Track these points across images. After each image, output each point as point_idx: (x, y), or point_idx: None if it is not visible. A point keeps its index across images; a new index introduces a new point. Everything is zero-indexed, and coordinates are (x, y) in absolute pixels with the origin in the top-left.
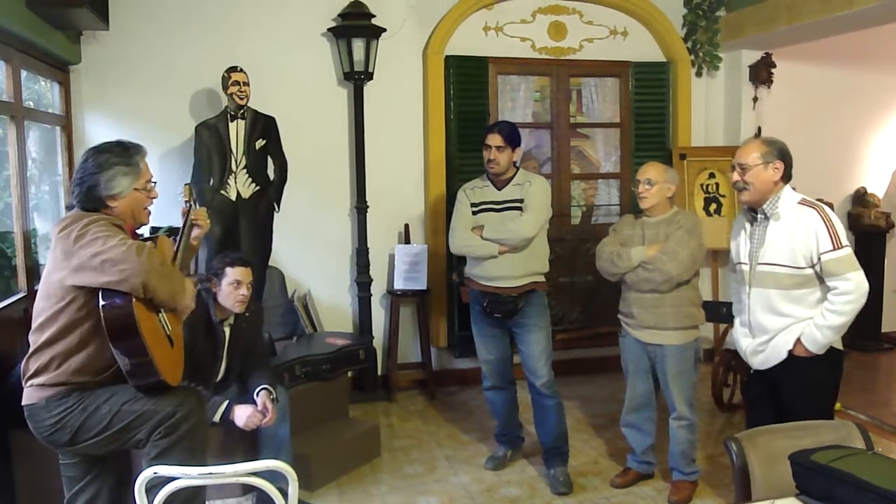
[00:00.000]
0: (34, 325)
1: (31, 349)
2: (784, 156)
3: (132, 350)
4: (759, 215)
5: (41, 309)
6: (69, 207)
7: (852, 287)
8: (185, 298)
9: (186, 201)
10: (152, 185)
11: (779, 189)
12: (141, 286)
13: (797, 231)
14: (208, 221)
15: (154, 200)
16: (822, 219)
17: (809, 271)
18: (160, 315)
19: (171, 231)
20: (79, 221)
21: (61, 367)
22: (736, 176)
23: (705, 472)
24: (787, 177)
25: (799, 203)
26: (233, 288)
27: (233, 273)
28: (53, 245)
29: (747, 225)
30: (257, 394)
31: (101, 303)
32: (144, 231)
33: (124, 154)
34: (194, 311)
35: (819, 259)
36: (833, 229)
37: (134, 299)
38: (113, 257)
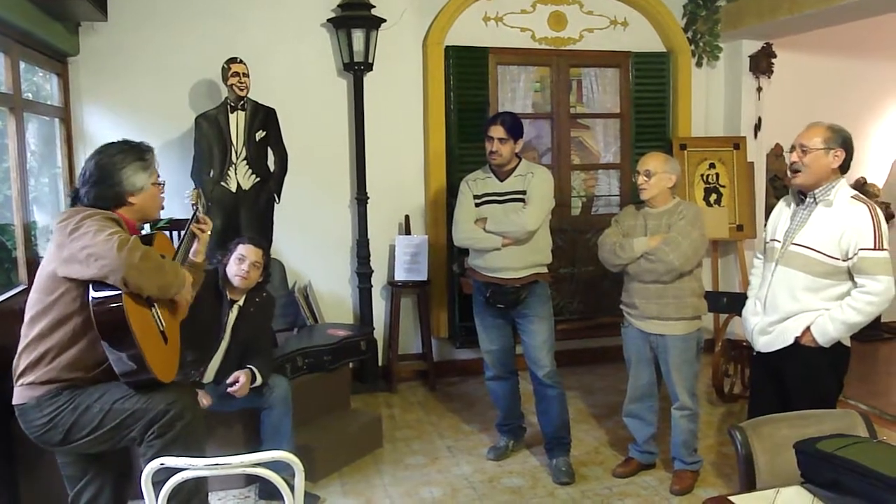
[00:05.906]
0: (26, 317)
1: (23, 344)
2: (846, 145)
3: (122, 345)
4: (807, 199)
5: (34, 301)
6: (73, 203)
7: (881, 290)
8: (179, 290)
9: (193, 204)
10: (161, 180)
11: (835, 177)
12: (122, 281)
13: (843, 222)
14: (209, 234)
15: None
16: (872, 216)
17: (842, 265)
18: (154, 310)
19: (171, 223)
20: (77, 214)
21: (53, 363)
22: (795, 157)
23: (706, 462)
24: (845, 167)
25: (852, 197)
26: (237, 262)
27: (242, 248)
28: (52, 236)
29: (793, 205)
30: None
31: (91, 296)
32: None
33: (137, 151)
34: (205, 279)
35: (856, 254)
36: (879, 229)
37: (125, 295)
38: (96, 252)
